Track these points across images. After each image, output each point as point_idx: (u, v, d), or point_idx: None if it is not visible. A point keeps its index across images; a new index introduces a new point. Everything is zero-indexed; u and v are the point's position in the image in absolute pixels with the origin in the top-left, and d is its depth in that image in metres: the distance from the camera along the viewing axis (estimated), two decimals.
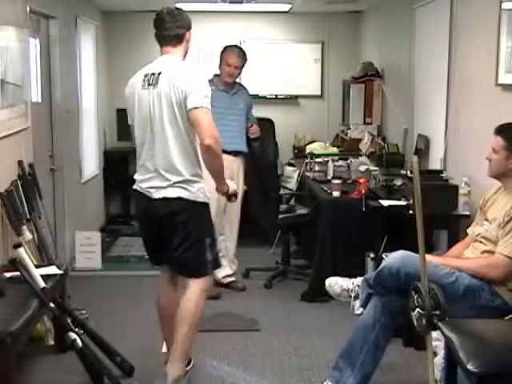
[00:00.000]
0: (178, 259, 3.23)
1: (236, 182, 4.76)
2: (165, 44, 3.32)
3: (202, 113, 3.08)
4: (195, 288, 3.23)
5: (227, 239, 4.97)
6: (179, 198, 3.16)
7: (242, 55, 4.86)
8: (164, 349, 3.82)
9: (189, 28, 3.34)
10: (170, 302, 3.34)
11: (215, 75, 4.90)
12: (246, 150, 4.88)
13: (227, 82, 4.81)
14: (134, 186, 3.33)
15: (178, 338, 3.21)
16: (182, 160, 3.16)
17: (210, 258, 3.25)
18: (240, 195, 4.88)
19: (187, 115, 3.11)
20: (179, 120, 3.13)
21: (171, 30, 3.27)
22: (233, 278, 5.04)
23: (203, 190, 3.22)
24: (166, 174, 3.16)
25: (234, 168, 4.77)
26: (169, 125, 3.14)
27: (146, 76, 3.24)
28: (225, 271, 4.96)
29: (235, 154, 4.77)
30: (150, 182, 3.20)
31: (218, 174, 3.25)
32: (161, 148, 3.16)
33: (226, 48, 4.91)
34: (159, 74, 3.20)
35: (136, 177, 3.32)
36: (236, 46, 4.97)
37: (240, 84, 5.07)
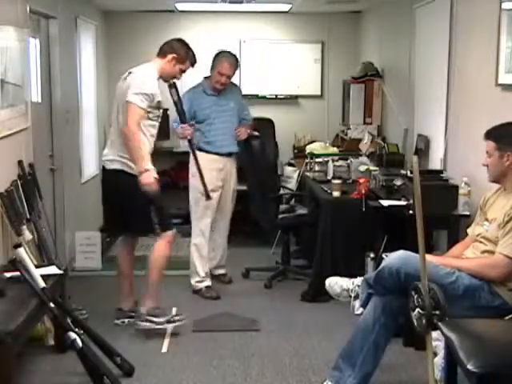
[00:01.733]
0: (128, 222, 4.10)
1: (229, 182, 4.93)
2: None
3: (130, 107, 3.91)
4: (159, 242, 4.12)
5: (218, 234, 5.04)
6: (123, 171, 4.00)
7: (235, 63, 4.83)
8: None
9: (176, 53, 4.13)
10: (125, 259, 4.32)
11: (205, 78, 4.90)
12: (236, 150, 4.93)
13: (217, 88, 4.81)
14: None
15: (148, 281, 4.13)
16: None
17: (156, 221, 4.03)
18: (231, 194, 4.99)
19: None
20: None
21: (163, 44, 4.18)
22: (221, 271, 5.11)
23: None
24: (119, 151, 4.00)
25: (227, 168, 4.89)
26: (122, 114, 3.98)
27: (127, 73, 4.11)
28: (212, 263, 5.06)
29: (228, 155, 4.86)
30: (108, 156, 4.08)
31: (131, 154, 3.96)
32: (117, 131, 4.03)
33: (219, 54, 4.85)
34: (130, 73, 4.06)
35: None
36: (230, 53, 4.87)
37: (230, 82, 4.94)
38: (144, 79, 3.99)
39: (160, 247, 4.12)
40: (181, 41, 4.25)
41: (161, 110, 4.17)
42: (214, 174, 4.71)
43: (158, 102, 4.07)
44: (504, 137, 3.06)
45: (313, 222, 4.96)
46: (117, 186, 4.07)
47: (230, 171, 4.92)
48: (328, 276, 3.54)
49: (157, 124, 4.16)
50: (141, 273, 4.34)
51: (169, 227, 4.16)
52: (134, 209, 4.02)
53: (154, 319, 4.04)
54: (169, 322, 4.09)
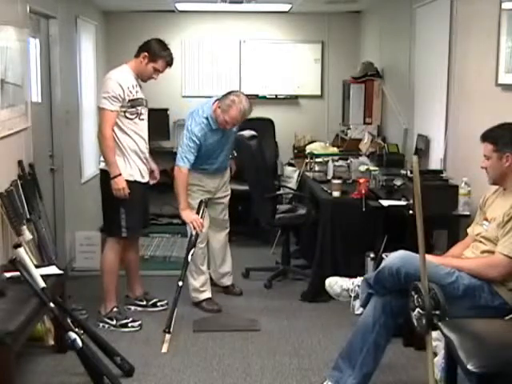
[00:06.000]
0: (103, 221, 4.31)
1: (221, 189, 4.70)
2: None
3: (102, 112, 4.04)
4: (106, 245, 4.26)
5: (219, 247, 4.76)
6: (105, 170, 4.07)
7: (248, 112, 4.37)
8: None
9: (148, 51, 4.14)
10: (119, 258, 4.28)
11: (213, 109, 4.37)
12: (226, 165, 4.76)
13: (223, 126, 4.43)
14: None
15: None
16: None
17: (124, 224, 4.11)
18: (227, 198, 4.77)
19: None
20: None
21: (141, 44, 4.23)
22: (229, 282, 4.85)
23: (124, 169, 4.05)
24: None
25: (225, 179, 4.70)
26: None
27: None
28: (218, 276, 4.83)
29: (224, 168, 4.70)
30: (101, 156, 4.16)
31: (105, 158, 4.07)
32: None
33: (235, 100, 4.30)
34: None
35: None
36: (245, 100, 4.32)
37: None
38: (110, 82, 4.06)
39: (109, 249, 4.22)
40: (157, 40, 4.23)
41: (139, 108, 4.10)
42: (204, 190, 4.55)
43: (130, 100, 4.03)
44: (501, 138, 3.03)
45: (310, 222, 4.96)
46: (100, 184, 4.21)
47: (226, 180, 4.74)
48: (328, 276, 3.54)
49: (138, 121, 4.10)
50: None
51: (134, 233, 4.27)
52: (105, 208, 4.21)
53: (110, 321, 4.14)
54: (153, 305, 4.45)
